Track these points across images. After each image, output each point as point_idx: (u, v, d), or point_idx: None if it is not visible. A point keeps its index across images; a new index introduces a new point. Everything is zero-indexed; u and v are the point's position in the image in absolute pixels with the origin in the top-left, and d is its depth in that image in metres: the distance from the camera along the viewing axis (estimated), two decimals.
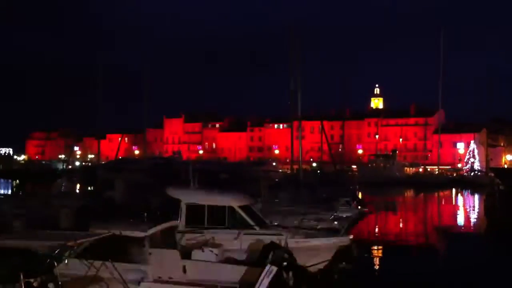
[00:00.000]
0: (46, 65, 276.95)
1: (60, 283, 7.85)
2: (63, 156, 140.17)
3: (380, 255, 19.84)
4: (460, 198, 59.43)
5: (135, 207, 16.31)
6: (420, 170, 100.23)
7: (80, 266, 8.79)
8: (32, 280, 7.52)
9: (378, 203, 40.89)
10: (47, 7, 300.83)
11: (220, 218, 13.30)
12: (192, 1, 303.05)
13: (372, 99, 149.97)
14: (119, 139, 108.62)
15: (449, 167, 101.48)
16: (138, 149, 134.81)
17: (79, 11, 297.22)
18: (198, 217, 13.19)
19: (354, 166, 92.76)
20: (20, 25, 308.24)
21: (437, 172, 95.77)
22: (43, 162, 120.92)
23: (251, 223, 13.10)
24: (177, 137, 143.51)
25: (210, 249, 11.20)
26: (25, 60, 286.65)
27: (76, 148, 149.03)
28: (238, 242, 12.48)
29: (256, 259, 10.64)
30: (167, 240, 10.72)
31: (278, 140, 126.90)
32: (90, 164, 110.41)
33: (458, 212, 41.44)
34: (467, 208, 45.60)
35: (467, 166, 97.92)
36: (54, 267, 7.91)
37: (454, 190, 66.39)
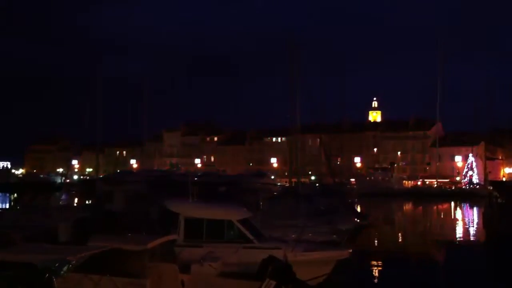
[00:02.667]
0: (44, 77, 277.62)
1: None
2: (61, 169, 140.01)
3: (380, 267, 19.79)
4: (458, 210, 59.38)
5: (133, 220, 16.28)
6: (419, 183, 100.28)
7: (79, 280, 8.77)
8: None
9: (377, 216, 40.82)
10: (45, 19, 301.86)
11: (218, 232, 13.29)
12: (188, 12, 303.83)
13: (370, 112, 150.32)
14: (117, 153, 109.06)
15: (448, 180, 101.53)
16: (136, 162, 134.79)
17: (77, 24, 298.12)
18: (197, 231, 13.18)
19: (352, 179, 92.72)
20: (18, 37, 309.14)
21: (435, 185, 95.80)
22: (41, 175, 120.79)
23: (250, 236, 13.09)
24: (175, 150, 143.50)
25: (209, 263, 11.19)
26: (24, 72, 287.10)
27: (74, 162, 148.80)
28: (237, 256, 12.46)
29: (255, 273, 10.60)
30: (166, 254, 10.70)
31: (277, 153, 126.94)
32: (88, 177, 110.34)
33: (457, 224, 41.39)
34: (465, 221, 45.56)
35: (466, 179, 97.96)
36: (53, 281, 7.89)
37: (452, 203, 66.37)
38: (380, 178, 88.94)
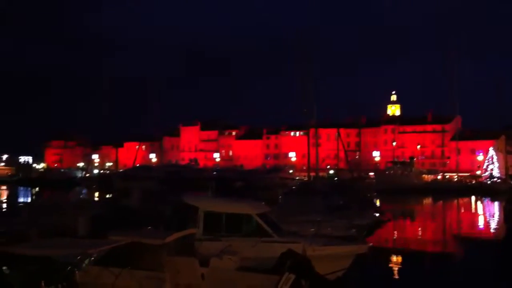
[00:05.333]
0: (64, 76, 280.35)
1: None
2: (81, 164, 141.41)
3: (398, 262, 19.68)
4: (479, 205, 58.77)
5: (150, 215, 16.38)
6: (439, 177, 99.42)
7: (99, 273, 8.85)
8: (52, 287, 7.60)
9: (396, 211, 40.57)
10: (57, 20, 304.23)
11: (237, 225, 13.32)
12: (203, 11, 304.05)
13: (389, 106, 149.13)
14: (136, 147, 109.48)
15: (468, 174, 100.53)
16: (156, 157, 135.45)
17: (89, 24, 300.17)
18: (216, 224, 13.22)
19: (371, 174, 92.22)
20: (34, 38, 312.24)
21: (455, 179, 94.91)
22: (62, 170, 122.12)
23: (269, 230, 13.10)
24: (193, 145, 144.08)
25: (228, 256, 11.22)
26: (41, 71, 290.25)
27: (94, 156, 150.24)
28: (256, 250, 12.47)
29: (273, 267, 10.62)
30: (185, 248, 10.76)
31: (294, 148, 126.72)
32: (107, 172, 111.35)
33: (477, 219, 40.99)
34: (486, 216, 45.07)
35: (486, 173, 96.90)
36: (74, 274, 7.99)
37: (473, 198, 65.70)
38: (399, 172, 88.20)
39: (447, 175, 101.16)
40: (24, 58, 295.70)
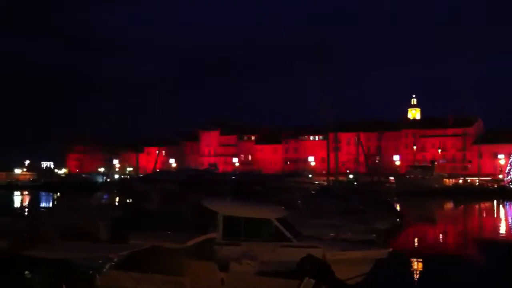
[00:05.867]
0: (84, 82, 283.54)
1: None
2: (102, 169, 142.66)
3: (419, 267, 19.50)
4: (501, 209, 57.96)
5: (170, 219, 16.44)
6: (460, 181, 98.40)
7: (120, 277, 8.92)
8: None
9: (417, 215, 40.22)
10: (81, 24, 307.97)
11: (257, 230, 13.32)
12: (214, 13, 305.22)
13: (409, 109, 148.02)
14: (156, 152, 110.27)
15: (490, 178, 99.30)
16: (175, 161, 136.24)
17: (105, 27, 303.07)
18: (235, 229, 13.22)
19: (391, 178, 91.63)
20: (53, 39, 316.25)
21: (477, 183, 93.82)
22: (83, 175, 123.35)
23: (288, 235, 13.07)
24: (212, 150, 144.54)
25: (248, 261, 11.22)
26: (61, 76, 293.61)
27: (115, 161, 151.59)
28: (275, 254, 12.44)
29: (293, 272, 10.59)
30: (204, 252, 10.79)
31: (314, 152, 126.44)
32: (128, 177, 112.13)
33: (499, 224, 40.43)
34: (508, 220, 44.44)
35: (508, 177, 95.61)
36: (95, 278, 8.06)
37: (495, 202, 64.84)
38: (419, 176, 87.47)
39: (469, 179, 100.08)
40: (50, 64, 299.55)
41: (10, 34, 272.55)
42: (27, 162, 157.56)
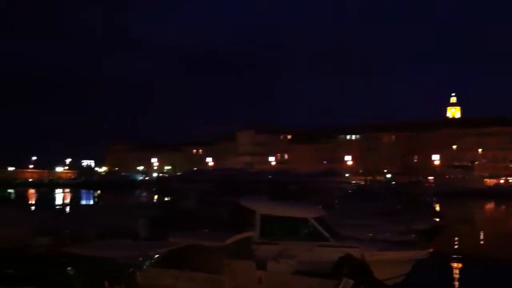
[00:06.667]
0: (122, 82, 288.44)
1: None
2: (141, 167, 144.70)
3: (458, 269, 19.14)
4: None
5: (207, 218, 16.55)
6: (501, 181, 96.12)
7: (159, 275, 9.04)
8: None
9: (456, 216, 39.46)
10: (111, 26, 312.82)
11: (294, 229, 13.31)
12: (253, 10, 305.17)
13: (449, 108, 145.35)
14: (194, 151, 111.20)
15: None
16: (212, 160, 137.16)
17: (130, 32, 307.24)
18: (272, 228, 13.24)
19: (430, 178, 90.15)
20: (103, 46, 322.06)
21: None
22: (122, 173, 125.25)
23: (326, 235, 13.01)
24: (249, 149, 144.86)
25: (285, 260, 11.22)
26: (98, 78, 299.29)
27: (153, 160, 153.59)
28: (312, 254, 12.40)
29: (331, 272, 10.54)
30: (242, 251, 10.84)
31: (350, 151, 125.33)
32: (166, 175, 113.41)
33: None
34: None
35: None
36: (136, 275, 8.19)
37: None
38: (459, 176, 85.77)
39: (510, 179, 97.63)
40: (100, 67, 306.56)
41: (47, 41, 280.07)
42: (68, 160, 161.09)
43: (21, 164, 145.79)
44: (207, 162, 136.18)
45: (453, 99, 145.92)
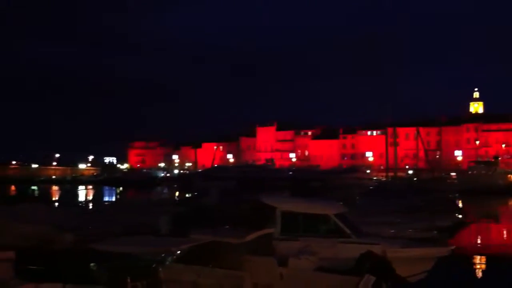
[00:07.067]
0: (144, 80, 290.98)
1: (164, 287, 8.19)
2: (162, 164, 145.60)
3: (482, 267, 18.93)
4: None
5: (228, 214, 16.63)
6: None
7: (182, 271, 9.10)
8: (138, 283, 7.90)
9: (479, 212, 38.99)
10: (131, 27, 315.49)
11: (315, 226, 13.30)
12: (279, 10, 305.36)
13: (471, 103, 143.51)
14: (214, 148, 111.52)
15: None
16: (233, 157, 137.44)
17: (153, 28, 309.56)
18: (293, 224, 13.25)
19: (453, 174, 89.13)
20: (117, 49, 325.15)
21: None
22: (144, 170, 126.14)
23: (347, 231, 12.98)
24: (269, 145, 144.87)
25: (306, 257, 11.21)
26: (124, 78, 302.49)
27: (174, 157, 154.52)
28: (334, 251, 12.39)
29: (352, 268, 10.52)
30: (263, 247, 10.86)
31: (372, 147, 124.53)
32: (187, 172, 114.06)
33: None
34: None
35: None
36: (158, 271, 8.27)
37: None
38: (482, 172, 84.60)
39: None
40: (114, 69, 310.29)
41: (67, 43, 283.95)
42: (90, 157, 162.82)
43: (45, 161, 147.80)
44: (228, 159, 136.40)
45: (476, 94, 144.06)
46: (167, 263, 8.58)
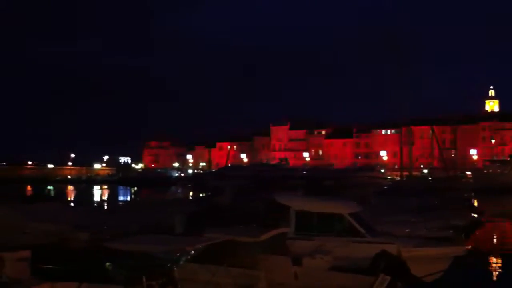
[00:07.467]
0: (158, 79, 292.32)
1: (179, 286, 8.22)
2: (176, 164, 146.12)
3: (498, 266, 18.76)
4: None
5: (242, 214, 16.64)
6: None
7: (196, 270, 9.14)
8: (153, 283, 7.94)
9: (495, 211, 38.61)
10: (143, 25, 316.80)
11: (329, 225, 13.26)
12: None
13: (487, 101, 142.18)
14: (228, 147, 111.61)
15: None
16: (246, 156, 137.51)
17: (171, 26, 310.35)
18: (307, 224, 13.23)
19: (468, 173, 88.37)
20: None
21: None
22: (158, 170, 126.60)
23: (361, 230, 12.93)
24: (283, 144, 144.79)
25: (321, 256, 11.20)
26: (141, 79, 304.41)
27: (188, 157, 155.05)
28: (348, 250, 12.35)
29: (367, 268, 10.48)
30: (278, 246, 10.87)
31: (386, 146, 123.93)
32: (201, 171, 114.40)
33: None
34: None
35: None
36: (173, 270, 8.30)
37: None
38: (498, 171, 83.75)
39: None
40: (149, 68, 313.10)
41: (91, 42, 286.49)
42: (105, 157, 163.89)
43: (60, 161, 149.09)
44: (242, 158, 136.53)
45: (492, 92, 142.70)
46: (182, 262, 8.61)
